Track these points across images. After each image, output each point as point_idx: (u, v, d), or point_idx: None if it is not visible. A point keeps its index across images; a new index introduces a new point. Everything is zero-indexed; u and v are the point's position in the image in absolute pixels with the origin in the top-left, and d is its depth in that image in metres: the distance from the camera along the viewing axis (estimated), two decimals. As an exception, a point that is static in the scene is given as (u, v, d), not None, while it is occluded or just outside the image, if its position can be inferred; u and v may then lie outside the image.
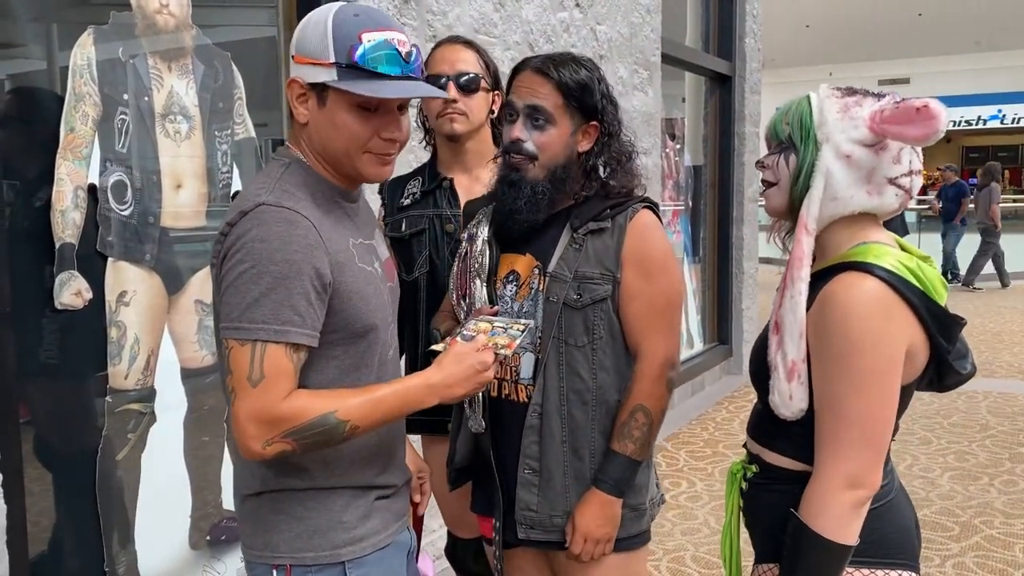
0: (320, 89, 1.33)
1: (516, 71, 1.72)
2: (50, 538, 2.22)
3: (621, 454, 1.68)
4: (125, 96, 2.31)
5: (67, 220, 2.16)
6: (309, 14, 1.36)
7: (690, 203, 6.46)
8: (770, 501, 1.49)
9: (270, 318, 1.25)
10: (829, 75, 21.04)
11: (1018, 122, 21.66)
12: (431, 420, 2.20)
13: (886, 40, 19.03)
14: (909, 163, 1.42)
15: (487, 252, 1.77)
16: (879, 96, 1.43)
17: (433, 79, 2.12)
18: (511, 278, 1.76)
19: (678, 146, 6.26)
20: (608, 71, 4.43)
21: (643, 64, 4.83)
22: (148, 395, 2.41)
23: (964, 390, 6.15)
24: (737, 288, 6.74)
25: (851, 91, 1.44)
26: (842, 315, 1.32)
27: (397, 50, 1.31)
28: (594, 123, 1.70)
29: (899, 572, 1.42)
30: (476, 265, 1.77)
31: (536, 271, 1.72)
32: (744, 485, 1.57)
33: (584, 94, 1.67)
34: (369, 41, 1.29)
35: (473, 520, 2.04)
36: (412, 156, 3.08)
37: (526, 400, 1.73)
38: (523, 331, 1.56)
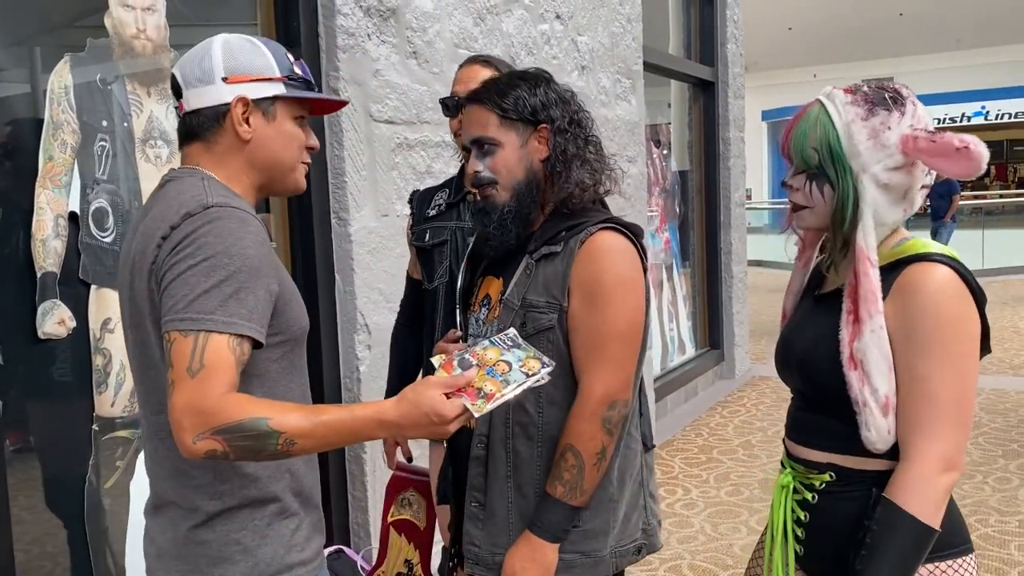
0: (267, 104, 1.39)
1: (460, 105, 1.74)
2: (40, 567, 2.20)
3: (551, 496, 1.58)
4: (104, 123, 2.30)
5: (48, 249, 2.15)
6: (203, 45, 1.40)
7: (678, 209, 6.47)
8: (851, 509, 1.45)
9: (217, 309, 1.23)
10: (813, 76, 21.13)
11: (1001, 118, 21.80)
12: None
13: (869, 40, 19.13)
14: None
15: (461, 275, 1.77)
16: (898, 103, 1.42)
17: (453, 98, 2.18)
18: (486, 302, 1.73)
19: (665, 151, 6.28)
20: (591, 81, 4.44)
21: (625, 73, 4.84)
22: (135, 422, 2.39)
23: (956, 387, 6.17)
24: (727, 292, 6.76)
25: (870, 103, 1.41)
26: (932, 302, 1.36)
27: (305, 67, 1.47)
28: (543, 126, 1.64)
29: (969, 556, 1.45)
30: (457, 288, 1.77)
31: (500, 296, 1.68)
32: (811, 497, 1.51)
33: (518, 104, 1.62)
34: (296, 58, 1.44)
35: None
36: (395, 172, 3.08)
37: (473, 429, 1.66)
38: (528, 379, 1.35)
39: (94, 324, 2.27)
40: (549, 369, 1.38)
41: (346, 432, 1.28)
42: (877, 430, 1.39)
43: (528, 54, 3.89)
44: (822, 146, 1.43)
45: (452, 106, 2.18)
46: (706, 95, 6.56)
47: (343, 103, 1.59)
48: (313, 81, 1.47)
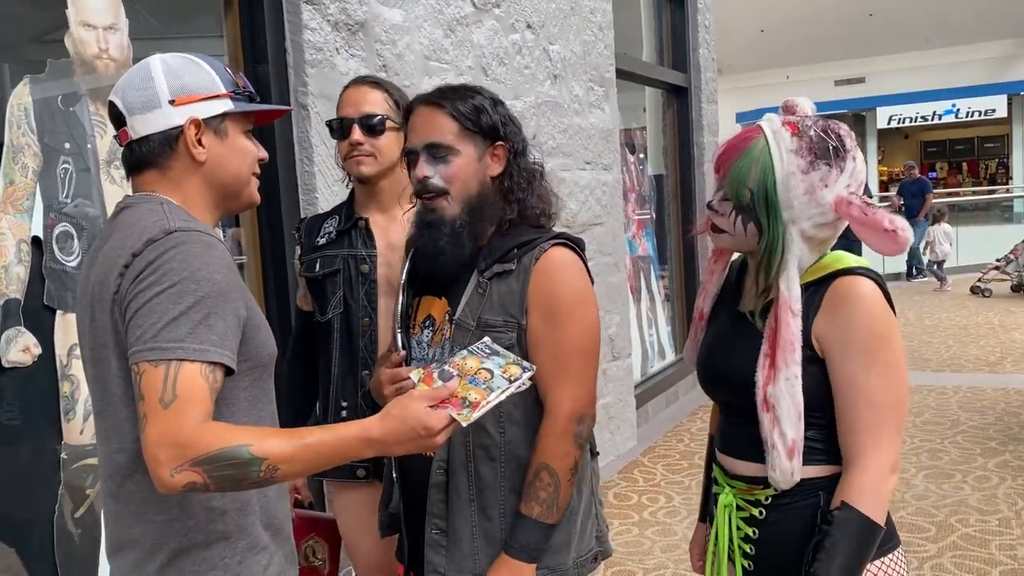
0: (218, 122, 1.36)
1: (408, 110, 1.66)
2: (9, 603, 2.15)
3: (528, 517, 1.56)
4: (67, 145, 2.25)
5: (10, 275, 2.10)
6: (140, 69, 1.36)
7: (654, 214, 6.48)
8: (804, 517, 1.49)
9: (187, 337, 1.20)
10: (786, 78, 21.26)
11: (972, 115, 22.01)
12: (340, 465, 2.16)
13: (840, 41, 19.27)
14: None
15: (401, 296, 1.72)
16: (840, 156, 1.44)
17: (341, 121, 2.11)
18: (428, 323, 1.68)
19: (641, 155, 6.29)
20: (563, 90, 4.43)
21: (598, 81, 4.84)
22: (105, 448, 2.35)
23: (934, 386, 6.21)
24: (705, 297, 6.76)
25: (813, 154, 1.43)
26: (865, 314, 1.41)
27: (245, 79, 1.46)
28: (501, 143, 1.61)
29: (898, 551, 1.52)
30: (396, 309, 1.72)
31: (447, 316, 1.64)
32: (758, 512, 1.53)
33: (481, 116, 1.59)
34: (235, 71, 1.42)
35: (387, 568, 2.01)
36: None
37: (432, 454, 1.63)
38: (510, 384, 1.36)
39: (60, 350, 2.23)
40: (530, 373, 1.39)
41: (329, 454, 1.26)
42: (782, 472, 1.45)
43: (500, 64, 3.88)
44: (758, 190, 1.45)
45: (338, 128, 2.12)
46: (679, 100, 6.57)
47: (287, 110, 1.59)
48: (255, 91, 1.45)
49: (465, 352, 1.44)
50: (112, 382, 1.30)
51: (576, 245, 1.66)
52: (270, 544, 1.39)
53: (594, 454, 1.76)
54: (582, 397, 1.60)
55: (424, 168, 1.59)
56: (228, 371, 1.25)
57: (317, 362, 2.21)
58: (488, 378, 1.37)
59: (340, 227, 2.15)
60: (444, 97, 1.60)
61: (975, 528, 3.75)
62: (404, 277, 1.72)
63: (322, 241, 2.16)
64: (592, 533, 1.72)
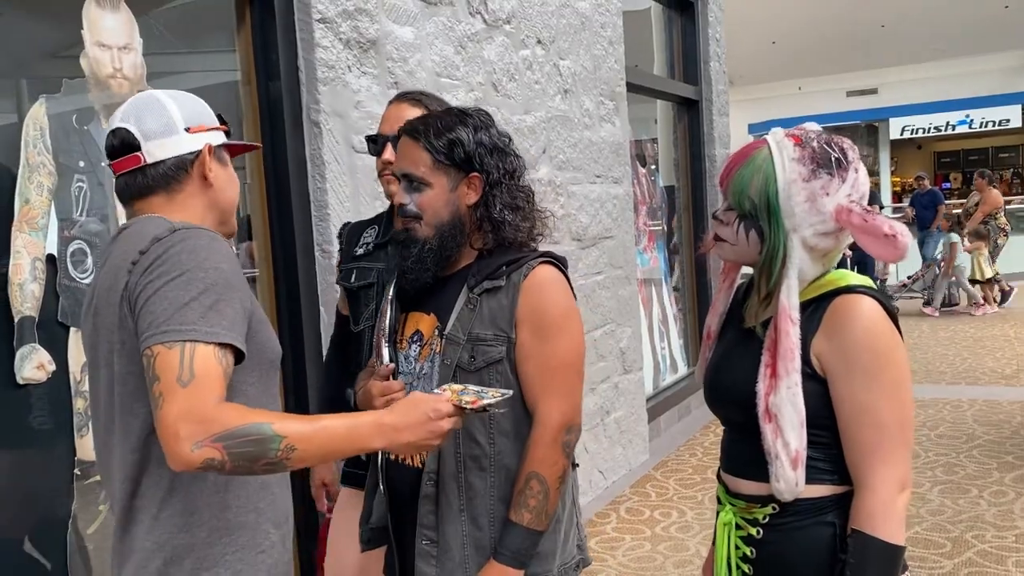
0: (219, 151, 1.48)
1: (398, 135, 1.73)
2: (22, 619, 2.16)
3: (518, 524, 1.62)
4: (81, 163, 2.28)
5: (25, 293, 2.13)
6: (145, 98, 1.46)
7: (665, 226, 6.47)
8: (800, 539, 1.48)
9: (199, 320, 1.24)
10: (798, 89, 21.23)
11: (986, 126, 21.88)
12: (363, 473, 2.14)
13: (852, 52, 19.23)
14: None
15: (389, 311, 1.76)
16: (842, 167, 1.45)
17: (377, 138, 2.12)
18: (415, 338, 1.74)
19: (652, 167, 6.29)
20: (574, 104, 4.45)
21: (608, 95, 4.85)
22: (118, 464, 2.36)
23: (950, 399, 6.16)
24: (717, 309, 6.73)
25: (815, 163, 1.44)
26: (866, 332, 1.40)
27: None
28: (475, 174, 1.66)
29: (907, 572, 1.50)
30: (383, 324, 1.77)
31: (436, 331, 1.70)
32: (755, 532, 1.52)
33: (453, 150, 1.64)
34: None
35: None
36: (379, 203, 3.07)
37: (421, 466, 1.69)
38: (498, 398, 1.49)
39: (74, 367, 2.24)
40: (508, 395, 1.51)
41: (344, 438, 1.31)
42: (786, 482, 1.44)
43: (510, 80, 3.89)
44: (760, 198, 1.46)
45: (373, 144, 2.13)
46: (691, 113, 6.58)
47: (257, 146, 1.78)
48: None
49: (448, 384, 1.58)
50: (120, 382, 1.34)
51: (560, 263, 1.73)
52: (277, 543, 1.42)
53: (574, 466, 1.80)
54: (570, 408, 1.66)
55: (402, 196, 1.69)
56: (238, 359, 1.30)
57: (348, 371, 2.23)
58: (476, 391, 1.51)
59: (378, 240, 2.18)
60: (423, 129, 1.67)
61: (991, 544, 3.72)
62: (392, 293, 1.77)
63: (360, 251, 2.20)
64: (574, 541, 1.77)
